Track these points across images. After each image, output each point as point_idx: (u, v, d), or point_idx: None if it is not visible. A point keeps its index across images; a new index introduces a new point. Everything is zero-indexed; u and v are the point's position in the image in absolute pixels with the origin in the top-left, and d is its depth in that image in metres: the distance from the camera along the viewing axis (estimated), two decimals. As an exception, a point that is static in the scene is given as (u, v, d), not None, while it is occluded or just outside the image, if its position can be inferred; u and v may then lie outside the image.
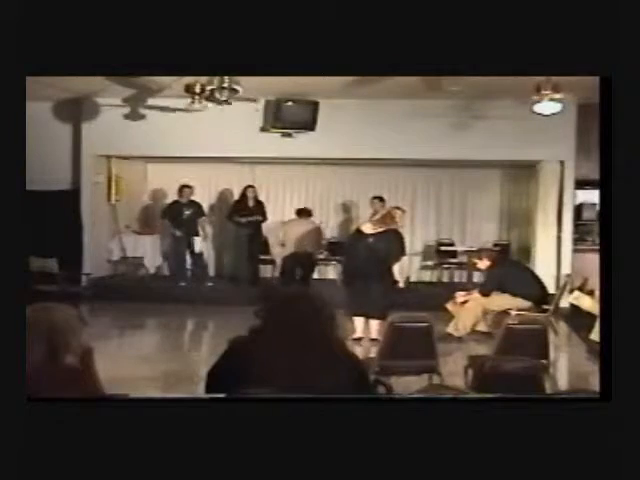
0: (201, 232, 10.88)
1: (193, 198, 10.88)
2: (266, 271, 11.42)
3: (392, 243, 7.39)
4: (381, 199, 10.60)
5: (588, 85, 4.03)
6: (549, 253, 10.26)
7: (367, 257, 7.27)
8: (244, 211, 10.62)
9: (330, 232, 11.93)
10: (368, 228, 7.49)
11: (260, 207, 10.78)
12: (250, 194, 10.67)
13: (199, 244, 10.88)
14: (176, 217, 10.68)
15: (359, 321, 7.40)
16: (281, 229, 10.26)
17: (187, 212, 10.73)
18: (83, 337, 2.81)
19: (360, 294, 7.24)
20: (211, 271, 11.65)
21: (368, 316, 7.29)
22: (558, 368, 6.76)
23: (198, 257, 10.90)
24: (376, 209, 10.53)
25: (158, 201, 12.09)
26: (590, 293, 7.36)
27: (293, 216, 10.37)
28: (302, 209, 10.39)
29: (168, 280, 11.09)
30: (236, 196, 11.47)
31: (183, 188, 10.78)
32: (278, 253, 10.35)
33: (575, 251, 10.19)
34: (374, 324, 7.22)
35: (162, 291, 10.51)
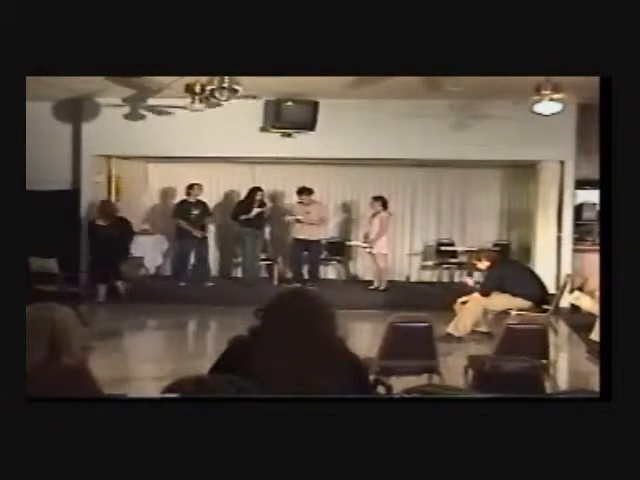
0: (207, 232, 10.85)
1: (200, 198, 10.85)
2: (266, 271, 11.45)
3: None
4: (382, 199, 10.58)
5: (588, 85, 4.04)
6: (549, 253, 10.26)
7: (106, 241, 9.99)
8: (248, 212, 10.60)
9: (330, 232, 11.94)
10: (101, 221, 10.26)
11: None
12: (257, 197, 10.66)
13: (204, 244, 10.86)
14: (185, 216, 10.64)
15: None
16: None
17: (195, 211, 10.69)
18: (83, 337, 2.82)
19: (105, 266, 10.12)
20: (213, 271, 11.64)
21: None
22: (558, 368, 6.76)
23: (203, 257, 10.87)
24: (376, 210, 10.55)
25: (162, 200, 12.11)
26: (590, 293, 7.36)
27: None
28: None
29: (168, 280, 11.10)
30: (237, 196, 11.49)
31: (192, 186, 10.72)
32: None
33: (575, 251, 10.19)
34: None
35: (162, 291, 10.50)
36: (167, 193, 12.10)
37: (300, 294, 2.87)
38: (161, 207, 12.13)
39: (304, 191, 10.65)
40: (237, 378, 1.96)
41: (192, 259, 10.85)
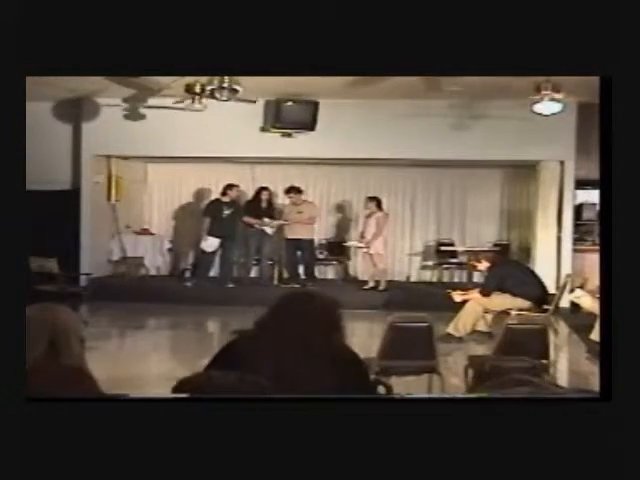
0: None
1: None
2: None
3: None
4: (377, 199, 10.54)
5: (588, 85, 4.04)
6: (549, 253, 10.25)
7: None
8: (256, 213, 10.57)
9: (330, 232, 11.95)
10: None
11: (272, 209, 10.75)
12: (264, 196, 10.62)
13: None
14: (216, 216, 10.43)
15: None
16: None
17: (227, 212, 10.54)
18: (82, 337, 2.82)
19: None
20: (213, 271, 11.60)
21: None
22: (558, 368, 6.75)
23: (227, 258, 10.73)
24: (371, 210, 10.53)
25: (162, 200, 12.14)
26: (590, 293, 7.36)
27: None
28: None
29: (168, 280, 11.10)
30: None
31: (229, 187, 10.53)
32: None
33: (575, 251, 10.20)
34: None
35: (162, 291, 10.51)
36: (166, 193, 12.11)
37: (302, 294, 2.87)
38: (161, 207, 12.15)
39: (293, 190, 10.62)
40: (249, 376, 1.96)
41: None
